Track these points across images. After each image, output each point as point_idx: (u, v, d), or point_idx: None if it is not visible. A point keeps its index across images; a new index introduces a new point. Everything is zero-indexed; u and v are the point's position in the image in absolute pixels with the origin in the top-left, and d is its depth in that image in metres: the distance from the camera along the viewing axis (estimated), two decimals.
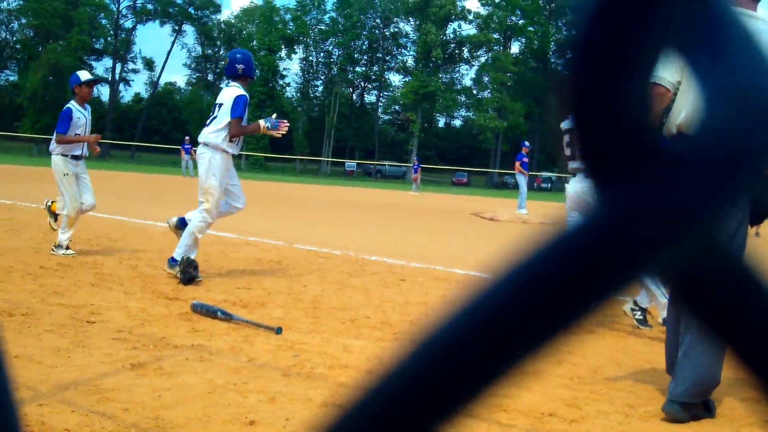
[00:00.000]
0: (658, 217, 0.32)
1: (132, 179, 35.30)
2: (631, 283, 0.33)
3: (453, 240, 15.02)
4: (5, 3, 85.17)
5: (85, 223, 11.66)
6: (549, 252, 0.31)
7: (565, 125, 6.98)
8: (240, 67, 8.18)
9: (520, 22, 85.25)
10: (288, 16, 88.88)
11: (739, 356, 0.35)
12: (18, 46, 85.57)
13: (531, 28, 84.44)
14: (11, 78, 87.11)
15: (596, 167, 0.34)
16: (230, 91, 7.96)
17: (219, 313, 5.75)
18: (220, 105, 7.94)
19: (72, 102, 9.50)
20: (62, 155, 8.95)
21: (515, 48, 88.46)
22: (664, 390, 4.76)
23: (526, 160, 25.33)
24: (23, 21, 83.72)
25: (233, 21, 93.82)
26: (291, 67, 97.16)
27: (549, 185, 69.29)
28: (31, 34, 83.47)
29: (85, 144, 9.26)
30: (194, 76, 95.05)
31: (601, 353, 5.71)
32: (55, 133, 9.15)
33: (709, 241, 0.34)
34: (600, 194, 0.34)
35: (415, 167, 47.80)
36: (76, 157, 9.06)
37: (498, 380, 0.32)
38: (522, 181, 25.54)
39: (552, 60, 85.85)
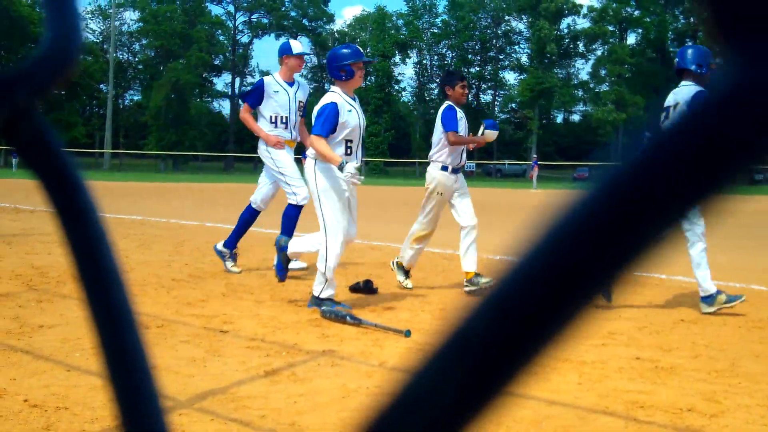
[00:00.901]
0: None
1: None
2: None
3: None
4: (126, 26, 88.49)
5: (213, 233, 11.95)
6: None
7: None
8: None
9: (636, 13, 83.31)
10: (400, 22, 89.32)
11: None
12: (140, 67, 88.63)
13: (647, 19, 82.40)
14: (135, 98, 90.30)
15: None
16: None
17: (348, 317, 5.78)
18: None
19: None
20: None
21: (631, 39, 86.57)
22: None
23: None
24: (144, 42, 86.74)
25: (346, 30, 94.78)
26: (406, 71, 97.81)
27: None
28: (152, 54, 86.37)
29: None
30: (312, 86, 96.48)
31: (738, 345, 5.52)
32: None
33: None
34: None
35: (533, 164, 47.34)
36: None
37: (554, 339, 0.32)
38: None
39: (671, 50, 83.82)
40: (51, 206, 0.53)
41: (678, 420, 3.78)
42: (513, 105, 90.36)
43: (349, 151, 6.58)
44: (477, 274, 7.45)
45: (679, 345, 5.44)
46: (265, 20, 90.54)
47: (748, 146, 0.28)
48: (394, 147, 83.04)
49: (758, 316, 6.61)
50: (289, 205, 8.25)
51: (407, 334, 5.43)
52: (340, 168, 6.21)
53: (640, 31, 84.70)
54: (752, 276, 8.67)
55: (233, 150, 78.56)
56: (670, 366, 4.83)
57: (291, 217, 8.18)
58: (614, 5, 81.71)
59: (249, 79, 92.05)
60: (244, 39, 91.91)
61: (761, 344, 5.55)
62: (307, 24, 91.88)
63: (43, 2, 0.54)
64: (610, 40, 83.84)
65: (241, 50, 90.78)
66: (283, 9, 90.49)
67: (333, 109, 6.41)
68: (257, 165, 72.60)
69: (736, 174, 0.28)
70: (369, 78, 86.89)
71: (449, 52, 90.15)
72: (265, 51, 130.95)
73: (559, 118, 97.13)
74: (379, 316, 6.18)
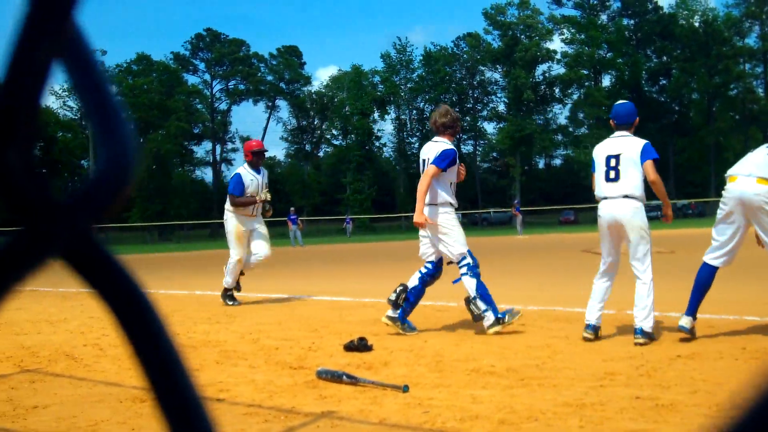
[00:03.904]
0: None
1: None
2: None
3: (567, 279, 14.78)
4: None
5: (203, 301, 11.93)
6: None
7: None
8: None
9: (609, 55, 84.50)
10: (377, 79, 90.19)
11: None
12: None
13: (620, 60, 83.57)
14: None
15: None
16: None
17: (344, 377, 5.74)
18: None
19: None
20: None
21: (606, 81, 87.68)
22: None
23: None
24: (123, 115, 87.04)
25: (324, 90, 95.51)
26: (385, 127, 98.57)
27: (658, 213, 67.69)
28: (132, 127, 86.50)
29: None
30: (292, 148, 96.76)
31: (736, 378, 5.50)
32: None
33: None
34: None
35: (517, 209, 47.58)
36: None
37: None
38: None
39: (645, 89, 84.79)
40: (120, 328, 0.53)
41: None
42: (494, 154, 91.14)
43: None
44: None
45: (678, 381, 5.42)
46: (242, 86, 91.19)
47: None
48: (378, 203, 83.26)
49: (754, 347, 6.61)
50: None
51: (405, 389, 5.39)
52: None
53: (614, 72, 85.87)
54: (745, 308, 8.69)
55: (218, 216, 78.58)
56: (670, 403, 4.81)
57: None
58: (587, 49, 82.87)
59: (229, 146, 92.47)
60: (222, 106, 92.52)
61: (758, 376, 5.53)
62: (284, 87, 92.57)
63: (93, 118, 0.54)
64: (586, 83, 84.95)
65: (219, 117, 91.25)
66: (259, 74, 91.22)
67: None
68: None
69: None
70: (349, 136, 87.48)
71: (427, 105, 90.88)
72: (243, 116, 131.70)
73: (541, 164, 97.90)
74: (375, 373, 6.13)
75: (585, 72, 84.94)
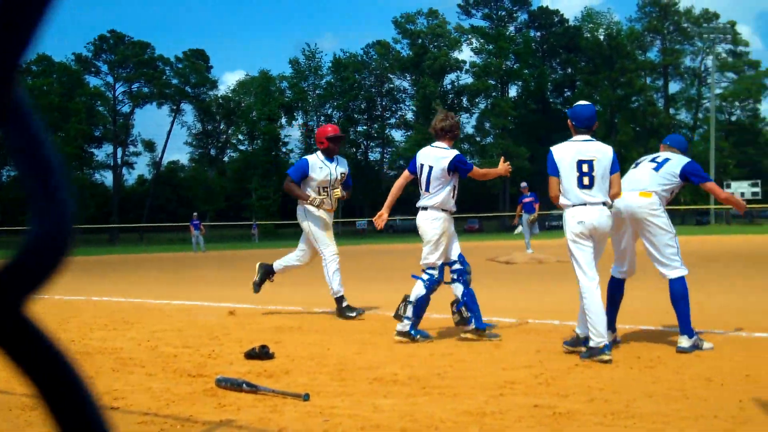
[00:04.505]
0: None
1: (143, 261, 35.38)
2: None
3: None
4: None
5: (100, 307, 11.65)
6: None
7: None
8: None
9: (515, 66, 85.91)
10: (285, 85, 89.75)
11: None
12: None
13: (527, 71, 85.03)
14: (13, 173, 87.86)
15: None
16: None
17: (244, 385, 5.64)
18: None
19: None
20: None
21: (513, 92, 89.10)
22: (697, 416, 4.66)
23: (527, 200, 25.25)
24: None
25: (230, 95, 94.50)
26: (292, 133, 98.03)
27: (562, 223, 69.17)
28: (73, 191, 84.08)
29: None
30: (196, 153, 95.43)
31: (632, 386, 5.61)
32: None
33: None
34: None
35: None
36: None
37: None
38: (523, 222, 25.55)
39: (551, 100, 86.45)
40: (43, 405, 0.47)
41: None
42: (401, 162, 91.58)
43: None
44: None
45: (575, 390, 5.49)
46: (146, 89, 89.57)
47: None
48: (284, 209, 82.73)
49: (649, 356, 6.75)
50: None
51: (306, 397, 5.32)
52: None
53: (520, 83, 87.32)
54: (640, 317, 8.87)
55: (116, 222, 77.05)
56: (567, 411, 4.86)
57: None
58: (495, 60, 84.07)
59: (131, 149, 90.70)
60: (125, 109, 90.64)
61: (654, 384, 5.65)
62: (189, 91, 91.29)
63: (29, 181, 0.47)
64: (493, 93, 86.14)
65: (122, 120, 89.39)
66: (164, 78, 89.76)
67: None
68: (143, 235, 70.89)
69: None
70: (256, 141, 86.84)
71: (335, 112, 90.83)
72: (147, 120, 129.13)
73: None
74: (276, 381, 6.05)
75: (492, 82, 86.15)
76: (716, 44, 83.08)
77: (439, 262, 8.09)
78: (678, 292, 7.06)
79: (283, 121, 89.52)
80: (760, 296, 11.80)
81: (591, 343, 6.63)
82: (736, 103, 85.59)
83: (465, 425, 4.63)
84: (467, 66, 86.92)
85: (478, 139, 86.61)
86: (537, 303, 11.82)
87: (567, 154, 6.97)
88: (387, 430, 4.57)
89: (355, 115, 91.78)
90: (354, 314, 10.01)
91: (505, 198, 78.47)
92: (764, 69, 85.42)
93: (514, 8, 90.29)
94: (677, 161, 7.42)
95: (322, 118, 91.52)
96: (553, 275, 17.23)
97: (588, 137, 7.00)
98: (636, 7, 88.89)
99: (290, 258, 10.85)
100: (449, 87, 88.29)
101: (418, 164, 8.31)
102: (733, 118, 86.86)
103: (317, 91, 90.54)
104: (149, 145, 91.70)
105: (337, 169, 10.44)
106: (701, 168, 7.67)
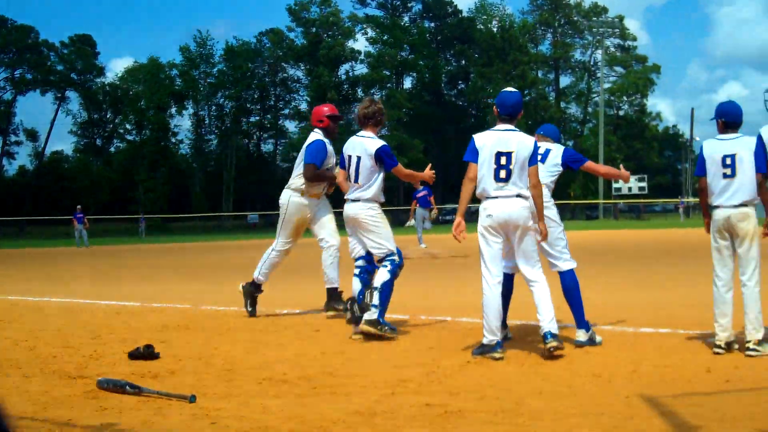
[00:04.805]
0: None
1: (23, 256, 34.28)
2: None
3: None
4: None
5: None
6: None
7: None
8: None
9: (410, 57, 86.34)
10: (175, 72, 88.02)
11: None
12: None
13: (421, 62, 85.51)
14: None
15: None
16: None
17: (127, 386, 5.44)
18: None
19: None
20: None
21: (408, 83, 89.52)
22: (586, 412, 4.72)
23: (420, 195, 25.38)
24: None
25: (118, 83, 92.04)
26: (182, 123, 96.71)
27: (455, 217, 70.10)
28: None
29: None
30: (81, 143, 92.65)
31: (522, 384, 5.65)
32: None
33: None
34: None
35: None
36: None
37: None
38: (417, 216, 25.69)
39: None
40: None
41: None
42: (294, 153, 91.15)
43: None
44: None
45: (467, 388, 5.49)
46: (29, 76, 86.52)
47: None
48: (173, 202, 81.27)
49: (538, 353, 6.80)
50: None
51: (192, 399, 5.16)
52: None
53: (415, 75, 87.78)
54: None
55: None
56: (458, 410, 4.85)
57: None
58: (390, 50, 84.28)
59: (12, 138, 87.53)
60: (7, 96, 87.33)
61: (543, 381, 5.70)
62: (75, 78, 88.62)
63: None
64: (388, 84, 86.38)
65: (2, 108, 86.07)
66: (48, 63, 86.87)
67: None
68: (23, 228, 68.05)
69: None
70: (144, 131, 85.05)
71: (227, 102, 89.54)
72: (29, 108, 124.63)
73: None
74: (161, 382, 5.86)
75: (387, 73, 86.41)
76: (605, 38, 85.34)
77: (394, 248, 7.95)
78: (570, 284, 7.16)
79: (173, 110, 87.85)
80: (645, 291, 12.12)
81: (484, 340, 6.64)
82: (624, 98, 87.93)
83: (355, 425, 4.56)
84: (362, 56, 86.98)
85: None
86: (430, 299, 11.85)
87: (488, 143, 6.81)
88: None
89: (248, 105, 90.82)
90: (250, 310, 9.61)
91: (399, 192, 78.89)
92: (651, 64, 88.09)
93: None
94: (557, 151, 7.54)
95: (214, 107, 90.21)
96: (447, 270, 17.35)
97: (510, 127, 6.86)
98: None
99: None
100: (344, 77, 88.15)
101: (345, 156, 8.14)
102: (621, 113, 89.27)
103: (209, 80, 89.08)
104: (32, 135, 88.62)
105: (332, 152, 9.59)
106: (576, 151, 7.80)
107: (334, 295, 9.48)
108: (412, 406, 4.97)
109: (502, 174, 6.66)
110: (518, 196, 6.68)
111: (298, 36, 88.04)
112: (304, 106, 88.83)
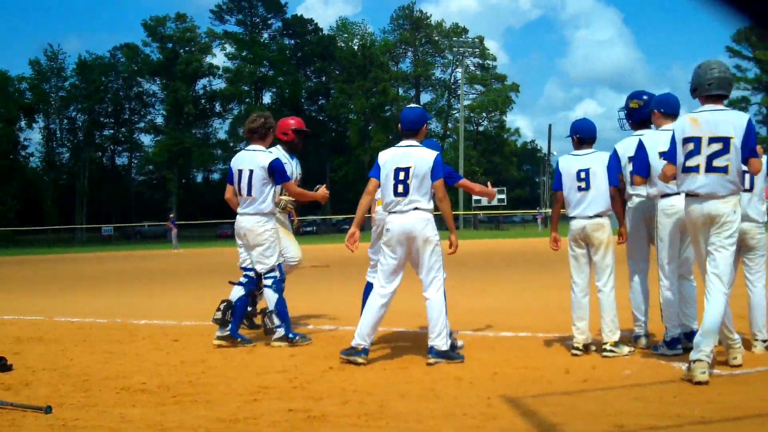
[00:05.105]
0: None
1: None
2: None
3: (224, 294, 14.69)
4: None
5: None
6: None
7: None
8: None
9: (270, 72, 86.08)
10: (24, 86, 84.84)
11: None
12: None
13: (281, 78, 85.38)
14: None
15: None
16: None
17: None
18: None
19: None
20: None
21: (267, 98, 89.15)
22: (448, 414, 4.82)
23: None
24: None
25: None
26: (32, 136, 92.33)
27: (314, 228, 70.42)
28: None
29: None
30: None
31: (385, 388, 5.72)
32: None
33: None
34: None
35: (172, 223, 46.99)
36: None
37: None
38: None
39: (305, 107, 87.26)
40: None
41: None
42: (150, 167, 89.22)
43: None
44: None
45: (330, 393, 5.53)
46: None
47: None
48: (23, 215, 78.15)
49: (402, 358, 6.91)
50: None
51: (47, 410, 5.03)
52: None
53: (275, 90, 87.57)
54: (396, 319, 9.06)
55: None
56: (321, 414, 4.88)
57: None
58: (249, 66, 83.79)
59: None
60: None
61: (406, 384, 5.79)
62: None
63: None
64: (247, 99, 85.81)
65: None
66: None
67: None
68: None
69: None
70: None
71: (80, 115, 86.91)
72: None
73: (199, 177, 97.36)
74: (15, 394, 5.67)
75: (246, 88, 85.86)
76: (465, 57, 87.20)
77: (278, 264, 7.90)
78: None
79: (23, 123, 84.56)
80: (505, 297, 12.42)
81: (353, 342, 6.72)
82: (484, 114, 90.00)
83: None
84: (220, 71, 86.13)
85: (231, 144, 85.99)
86: (292, 308, 11.80)
87: (388, 158, 6.95)
88: None
89: (102, 119, 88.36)
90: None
91: None
92: (510, 83, 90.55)
93: (269, 15, 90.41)
94: None
95: (66, 120, 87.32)
96: (309, 280, 17.33)
97: (411, 142, 6.98)
98: (389, 19, 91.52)
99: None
100: (201, 92, 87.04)
101: (234, 170, 8.01)
102: (481, 128, 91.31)
103: (60, 93, 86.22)
104: None
105: (297, 167, 9.01)
106: (453, 169, 7.96)
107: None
108: (275, 412, 4.98)
109: (400, 189, 6.79)
110: (416, 209, 6.78)
111: (153, 51, 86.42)
112: (159, 120, 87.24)
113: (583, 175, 6.89)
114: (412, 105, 7.40)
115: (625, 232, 7.13)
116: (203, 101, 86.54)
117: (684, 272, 6.81)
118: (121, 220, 77.18)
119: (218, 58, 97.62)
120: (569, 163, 7.04)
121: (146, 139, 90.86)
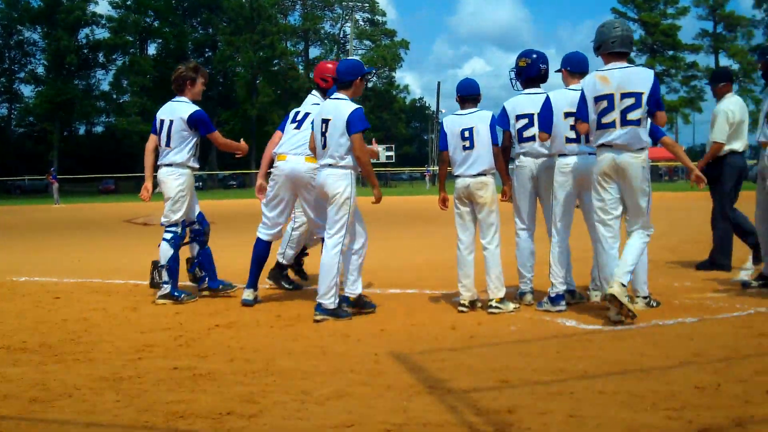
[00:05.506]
0: None
1: None
2: None
3: (108, 250, 14.45)
4: None
5: None
6: None
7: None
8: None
9: (155, 23, 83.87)
10: None
11: None
12: None
13: (167, 29, 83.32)
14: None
15: None
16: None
17: None
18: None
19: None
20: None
21: (153, 49, 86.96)
22: (335, 371, 4.88)
23: None
24: None
25: None
26: None
27: (200, 184, 69.44)
28: None
29: None
30: None
31: (272, 345, 5.75)
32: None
33: None
34: None
35: (53, 177, 45.65)
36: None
37: None
38: None
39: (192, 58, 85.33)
40: None
41: (219, 425, 3.81)
42: (31, 118, 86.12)
43: None
44: None
45: (215, 350, 5.52)
46: None
47: None
48: None
49: (288, 315, 6.94)
50: None
51: None
52: None
53: (160, 41, 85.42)
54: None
55: None
56: (207, 372, 4.87)
57: None
58: (133, 15, 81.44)
59: None
60: None
61: (293, 341, 5.83)
62: None
63: None
64: (131, 50, 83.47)
65: None
66: None
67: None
68: None
69: None
70: None
71: None
72: None
73: (82, 130, 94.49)
74: None
75: (130, 38, 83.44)
76: (355, 12, 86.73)
77: (182, 219, 7.75)
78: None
79: None
80: (393, 254, 12.49)
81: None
82: (373, 70, 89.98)
83: (100, 391, 4.49)
84: (104, 20, 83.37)
85: (115, 96, 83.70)
86: None
87: (318, 112, 7.04)
88: (15, 400, 4.32)
89: None
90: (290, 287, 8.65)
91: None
92: (400, 39, 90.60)
93: None
94: None
95: None
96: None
97: (340, 95, 6.95)
98: None
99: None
100: (84, 41, 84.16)
101: (157, 121, 7.88)
102: (370, 85, 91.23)
103: None
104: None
105: None
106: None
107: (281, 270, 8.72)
108: (160, 370, 4.96)
109: (323, 142, 6.84)
110: (330, 165, 6.81)
111: None
112: (40, 70, 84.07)
113: (466, 134, 7.00)
114: (346, 58, 7.42)
115: (509, 190, 7.31)
116: (86, 51, 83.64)
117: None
118: (1, 173, 74.53)
119: (101, 6, 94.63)
120: (453, 122, 7.15)
121: (26, 90, 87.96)
